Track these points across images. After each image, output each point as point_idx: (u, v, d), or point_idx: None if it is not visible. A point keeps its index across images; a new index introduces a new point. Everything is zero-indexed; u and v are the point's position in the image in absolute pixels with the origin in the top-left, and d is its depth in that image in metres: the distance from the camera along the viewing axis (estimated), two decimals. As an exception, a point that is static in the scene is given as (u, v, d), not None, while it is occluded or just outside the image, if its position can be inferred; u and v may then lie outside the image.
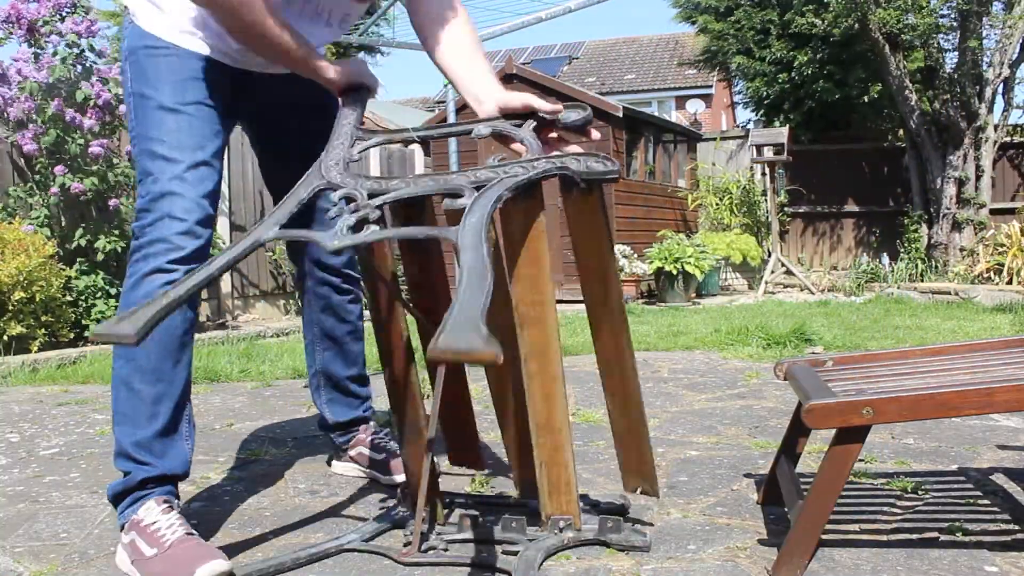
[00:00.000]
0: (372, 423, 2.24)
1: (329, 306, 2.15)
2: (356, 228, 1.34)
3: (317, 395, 2.24)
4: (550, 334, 1.51)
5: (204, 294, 6.62)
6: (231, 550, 1.68)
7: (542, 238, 1.48)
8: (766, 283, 8.47)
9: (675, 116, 16.91)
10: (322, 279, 2.13)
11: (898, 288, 7.87)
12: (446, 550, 1.60)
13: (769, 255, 8.83)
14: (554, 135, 1.65)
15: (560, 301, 8.20)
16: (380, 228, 1.35)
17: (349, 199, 1.42)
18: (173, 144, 1.72)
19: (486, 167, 1.42)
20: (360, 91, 1.76)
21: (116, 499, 1.69)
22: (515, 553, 1.55)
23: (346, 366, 2.19)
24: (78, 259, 5.36)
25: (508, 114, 1.64)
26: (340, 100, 1.75)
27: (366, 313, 1.79)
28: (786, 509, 1.71)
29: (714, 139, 10.91)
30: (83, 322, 5.17)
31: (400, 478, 2.05)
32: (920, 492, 1.94)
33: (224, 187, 7.28)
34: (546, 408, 1.54)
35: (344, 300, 2.16)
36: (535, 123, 1.60)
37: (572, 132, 1.61)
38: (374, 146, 1.61)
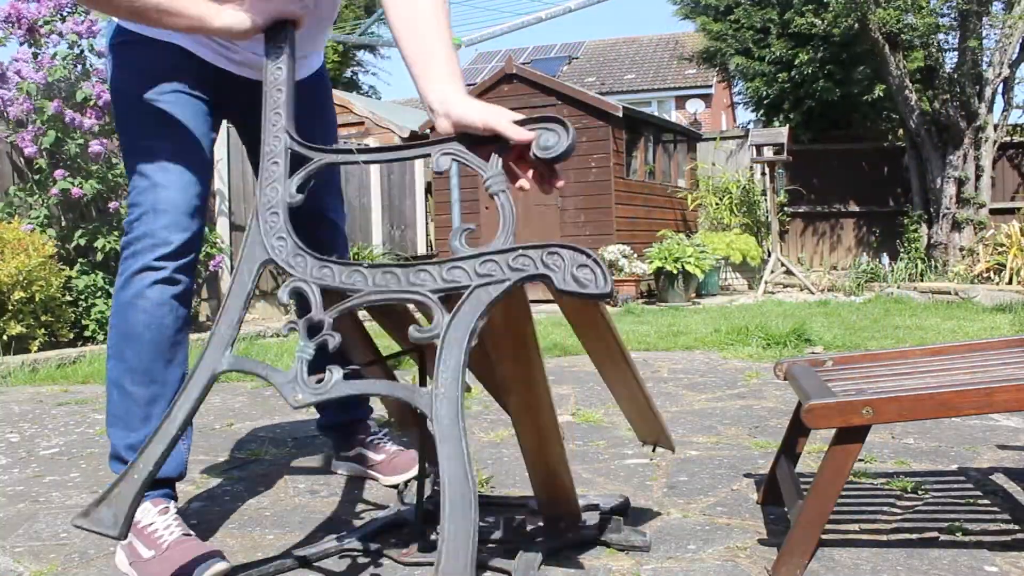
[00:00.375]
0: (371, 423, 2.23)
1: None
2: (315, 362, 1.20)
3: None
4: (540, 395, 1.40)
5: (204, 294, 6.62)
6: (231, 550, 1.68)
7: (527, 324, 1.30)
8: (766, 283, 8.47)
9: (675, 116, 16.92)
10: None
11: (898, 288, 7.87)
12: None
13: (769, 255, 8.83)
14: (526, 171, 1.33)
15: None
16: (344, 376, 1.18)
17: (300, 299, 1.24)
18: (155, 135, 1.66)
19: (453, 260, 1.16)
20: (283, 30, 1.49)
21: None
22: (515, 553, 1.55)
23: (341, 365, 2.14)
24: (78, 259, 5.36)
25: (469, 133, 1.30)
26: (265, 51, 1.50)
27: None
28: (786, 509, 1.71)
29: (714, 139, 10.91)
30: (83, 322, 5.17)
31: (398, 478, 2.05)
32: (920, 492, 1.94)
33: (223, 187, 7.32)
34: (541, 452, 1.51)
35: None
36: (503, 148, 1.27)
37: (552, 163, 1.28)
38: (316, 170, 1.35)
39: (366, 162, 1.37)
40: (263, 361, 1.28)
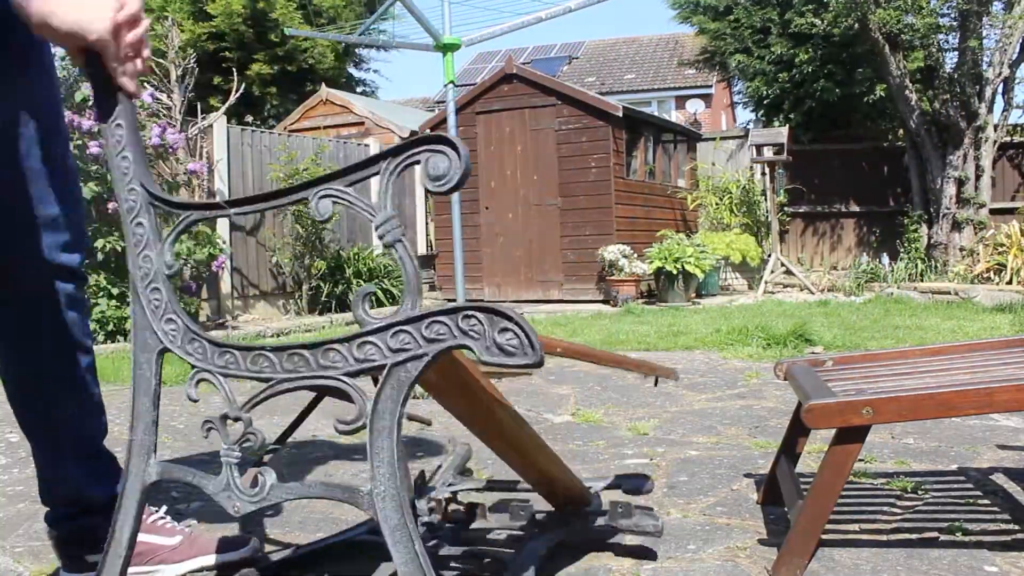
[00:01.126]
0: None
1: (67, 329, 1.47)
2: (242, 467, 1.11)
3: (59, 471, 1.53)
4: (501, 419, 1.33)
5: (204, 293, 6.62)
6: (231, 550, 1.68)
7: (462, 370, 1.20)
8: (766, 283, 8.47)
9: (675, 116, 16.91)
10: (54, 289, 1.44)
11: (898, 288, 7.87)
12: (454, 543, 1.60)
13: (769, 255, 8.83)
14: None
15: (560, 301, 8.21)
16: (276, 480, 1.07)
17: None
18: None
19: (362, 334, 1.01)
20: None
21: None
22: (520, 542, 1.54)
23: (97, 419, 1.56)
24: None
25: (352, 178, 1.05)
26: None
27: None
28: (786, 509, 1.71)
29: (714, 139, 10.91)
30: (83, 322, 5.18)
31: (199, 562, 1.58)
32: (920, 492, 1.94)
33: (223, 187, 7.32)
34: (523, 462, 1.46)
35: (84, 319, 1.52)
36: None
37: None
38: (184, 230, 1.15)
39: (237, 213, 1.15)
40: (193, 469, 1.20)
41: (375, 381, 1.03)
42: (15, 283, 1.41)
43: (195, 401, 1.13)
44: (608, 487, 1.68)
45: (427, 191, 0.97)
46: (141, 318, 1.14)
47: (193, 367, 1.11)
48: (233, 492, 1.07)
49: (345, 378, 1.02)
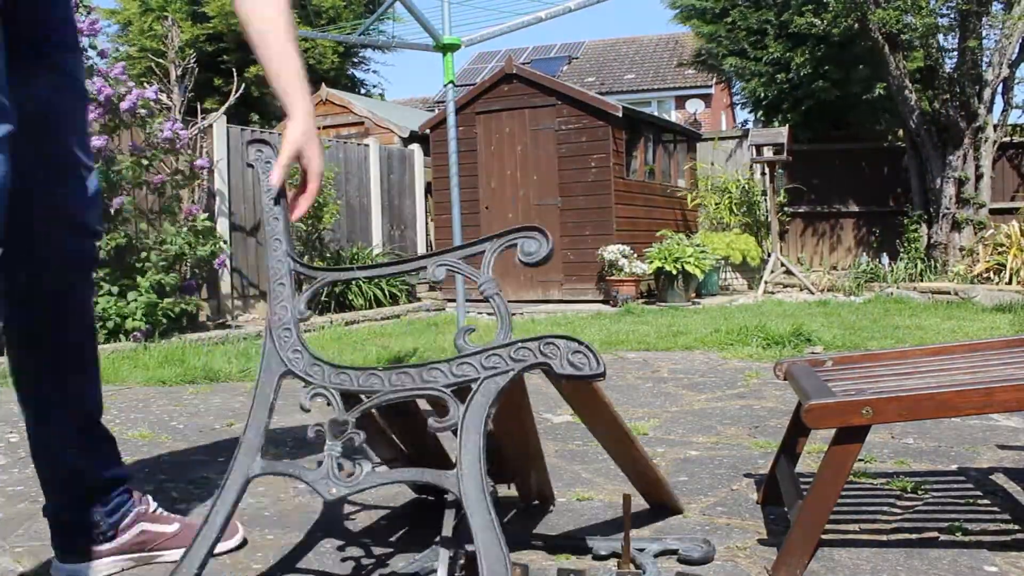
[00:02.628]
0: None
1: (80, 304, 1.55)
2: (343, 460, 1.29)
3: (63, 445, 1.55)
4: (533, 452, 1.61)
5: (204, 294, 6.62)
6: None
7: (522, 396, 1.44)
8: (766, 283, 8.47)
9: (675, 116, 16.92)
10: (76, 259, 1.53)
11: (898, 288, 7.87)
12: None
13: (769, 255, 8.82)
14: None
15: (559, 301, 8.21)
16: (372, 467, 1.28)
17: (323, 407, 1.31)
18: None
19: (461, 357, 1.28)
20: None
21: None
22: None
23: (97, 392, 1.60)
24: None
25: None
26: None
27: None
28: (786, 509, 1.72)
29: (713, 139, 10.90)
30: (83, 322, 5.18)
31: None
32: (920, 492, 1.94)
33: (224, 187, 7.31)
34: (527, 477, 1.67)
35: (92, 295, 1.62)
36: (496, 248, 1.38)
37: None
38: (321, 286, 1.49)
39: (367, 278, 1.42)
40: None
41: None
42: (45, 252, 1.47)
43: (307, 411, 1.35)
44: (662, 553, 1.59)
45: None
46: (270, 350, 1.42)
47: (309, 384, 1.36)
48: (331, 479, 1.27)
49: (444, 389, 1.27)
